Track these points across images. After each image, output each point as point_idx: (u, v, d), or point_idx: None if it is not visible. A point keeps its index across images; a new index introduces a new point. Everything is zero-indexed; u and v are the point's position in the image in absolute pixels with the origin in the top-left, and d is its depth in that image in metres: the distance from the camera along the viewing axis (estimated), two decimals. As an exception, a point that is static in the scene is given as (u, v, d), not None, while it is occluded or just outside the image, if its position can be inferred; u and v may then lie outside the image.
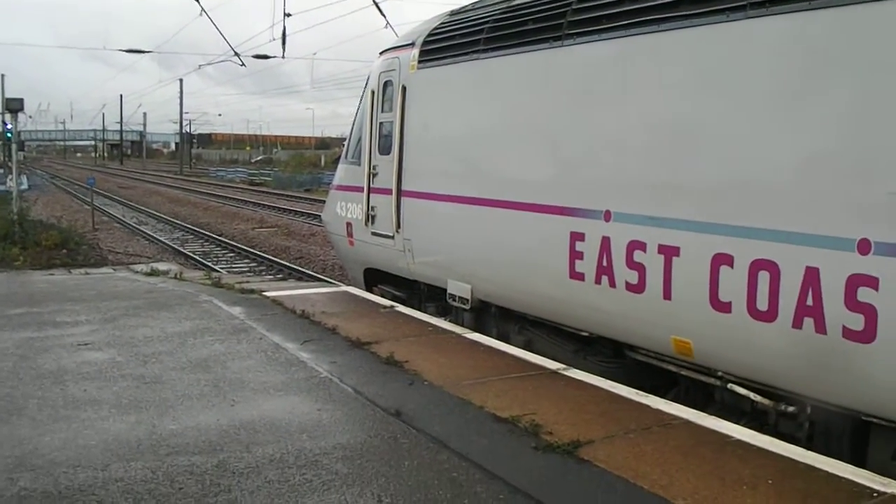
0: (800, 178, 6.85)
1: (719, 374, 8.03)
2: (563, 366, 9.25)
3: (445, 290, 11.97)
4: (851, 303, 6.39)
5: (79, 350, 9.72)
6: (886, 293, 6.16)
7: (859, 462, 6.78)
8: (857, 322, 6.37)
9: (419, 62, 12.37)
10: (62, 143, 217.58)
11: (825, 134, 6.67)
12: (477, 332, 11.19)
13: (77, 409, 7.56)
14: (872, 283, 6.25)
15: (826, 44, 6.71)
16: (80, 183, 67.82)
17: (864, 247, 6.28)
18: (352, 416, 7.52)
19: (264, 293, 13.88)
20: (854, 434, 7.15)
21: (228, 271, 23.84)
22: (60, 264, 20.49)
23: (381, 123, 13.45)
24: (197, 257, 27.61)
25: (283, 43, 39.05)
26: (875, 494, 5.80)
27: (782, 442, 6.94)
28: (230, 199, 57.03)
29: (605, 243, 8.67)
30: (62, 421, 7.21)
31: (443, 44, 11.96)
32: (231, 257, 28.71)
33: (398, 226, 12.74)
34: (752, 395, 7.77)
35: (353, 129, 14.95)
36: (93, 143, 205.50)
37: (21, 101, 25.91)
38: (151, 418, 7.31)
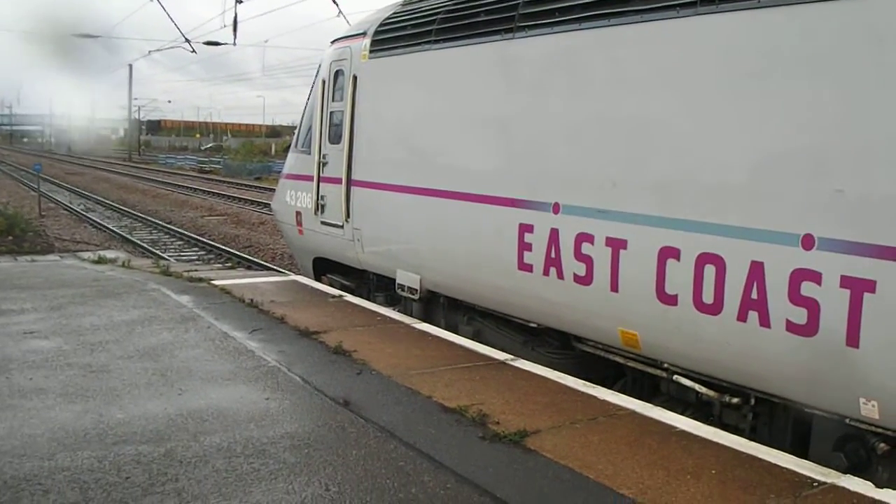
0: (746, 174, 6.94)
1: (665, 365, 8.12)
2: (511, 356, 9.31)
3: (394, 280, 11.99)
4: (795, 297, 6.49)
5: (24, 338, 9.61)
6: (829, 288, 6.27)
7: (801, 453, 6.90)
8: (800, 316, 6.46)
9: (371, 52, 12.36)
10: (9, 128, 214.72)
11: (772, 130, 6.76)
12: (426, 322, 11.23)
13: (23, 398, 7.48)
14: (815, 277, 6.34)
15: (774, 42, 6.79)
16: (27, 169, 66.94)
17: (807, 242, 6.38)
18: (300, 405, 7.52)
19: (213, 282, 13.80)
20: (796, 425, 7.28)
21: (177, 259, 23.67)
22: (6, 251, 20.22)
23: (331, 113, 13.42)
24: (145, 245, 27.39)
25: (235, 30, 38.84)
26: (815, 484, 5.90)
27: (725, 433, 7.05)
28: (179, 187, 56.58)
29: (554, 235, 8.73)
30: (7, 410, 7.12)
31: (395, 34, 11.94)
32: (180, 245, 28.52)
33: (348, 215, 12.73)
34: (697, 386, 7.86)
35: (303, 117, 14.89)
36: (40, 128, 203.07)
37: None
38: (98, 407, 7.25)
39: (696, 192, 7.34)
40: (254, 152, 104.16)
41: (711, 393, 7.77)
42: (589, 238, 8.32)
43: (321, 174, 13.59)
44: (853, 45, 6.24)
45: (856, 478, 6.07)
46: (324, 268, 14.74)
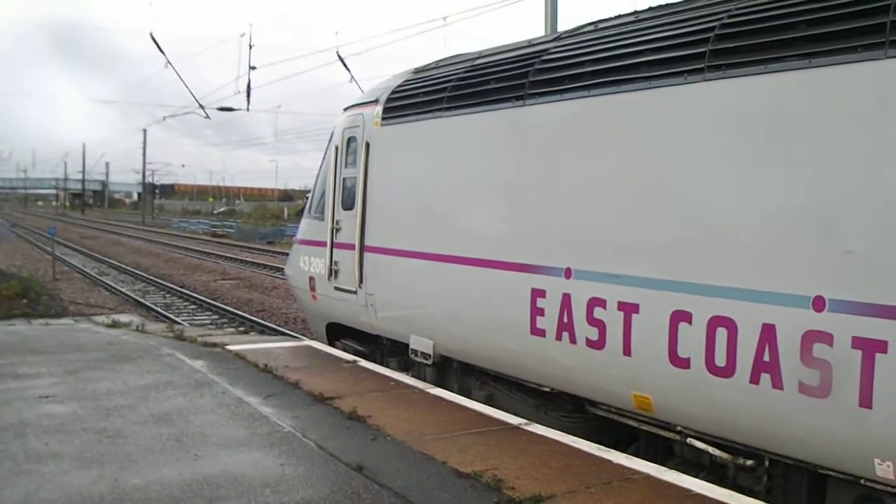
0: (757, 237, 7.00)
1: (679, 428, 8.12)
2: (524, 421, 9.32)
3: (408, 345, 12.02)
4: (807, 358, 6.52)
5: (40, 403, 9.66)
6: (841, 349, 6.30)
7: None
8: (812, 377, 6.49)
9: (383, 119, 12.51)
10: (23, 191, 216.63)
11: (781, 194, 6.83)
12: (439, 387, 11.24)
13: (38, 462, 7.52)
14: (827, 339, 6.38)
15: (782, 106, 6.89)
16: (42, 232, 67.29)
17: (818, 304, 6.42)
18: (315, 471, 7.53)
19: (227, 347, 13.85)
20: (811, 487, 7.26)
21: (191, 323, 23.72)
22: (20, 315, 20.27)
23: (344, 179, 13.55)
24: (159, 309, 27.40)
25: (248, 95, 39.31)
26: (830, 548, 5.91)
27: (741, 495, 7.04)
28: (192, 251, 56.70)
29: (566, 300, 8.78)
30: (23, 475, 7.17)
31: (406, 101, 12.10)
32: (193, 309, 28.54)
33: (361, 281, 12.80)
34: (710, 448, 7.86)
35: (316, 183, 15.03)
36: (55, 191, 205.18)
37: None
38: (114, 472, 7.28)
39: (706, 255, 7.40)
40: (266, 216, 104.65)
41: (725, 455, 7.77)
42: (601, 302, 8.37)
43: (334, 240, 13.68)
44: (858, 108, 6.33)
45: (872, 540, 6.06)
46: (337, 333, 14.76)
